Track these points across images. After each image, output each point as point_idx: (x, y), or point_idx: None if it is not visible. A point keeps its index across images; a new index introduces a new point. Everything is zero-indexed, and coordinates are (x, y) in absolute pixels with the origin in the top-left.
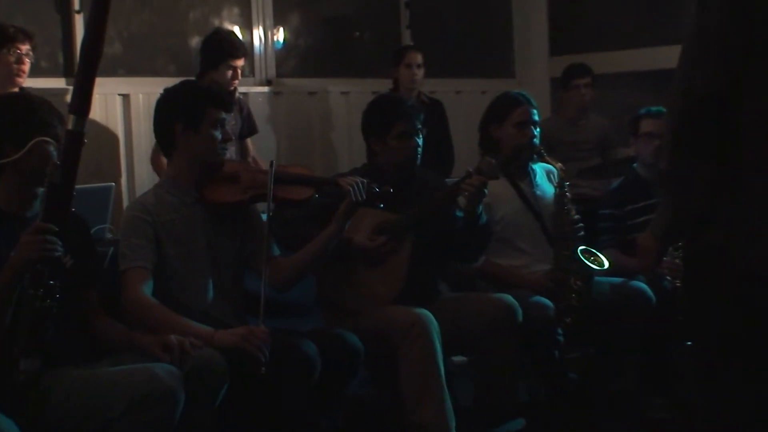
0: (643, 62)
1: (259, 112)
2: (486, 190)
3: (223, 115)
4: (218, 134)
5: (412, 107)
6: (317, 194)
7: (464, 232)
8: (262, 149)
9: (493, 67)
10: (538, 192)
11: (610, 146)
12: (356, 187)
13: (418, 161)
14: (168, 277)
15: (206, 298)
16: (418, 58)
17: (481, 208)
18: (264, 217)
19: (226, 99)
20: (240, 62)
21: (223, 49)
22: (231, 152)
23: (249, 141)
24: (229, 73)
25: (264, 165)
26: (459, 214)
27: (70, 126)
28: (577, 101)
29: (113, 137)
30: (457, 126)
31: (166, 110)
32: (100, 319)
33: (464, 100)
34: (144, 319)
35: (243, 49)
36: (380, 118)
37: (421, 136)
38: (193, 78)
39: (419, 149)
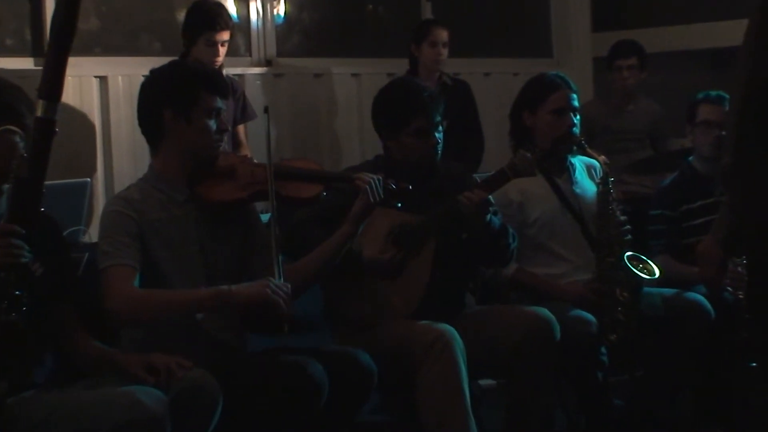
0: (699, 39)
1: (257, 96)
2: (492, 198)
3: (219, 102)
4: (213, 124)
5: (431, 97)
6: (326, 192)
7: (479, 241)
8: (259, 139)
9: (527, 45)
10: (578, 190)
11: (662, 136)
12: (373, 185)
13: (438, 158)
14: (154, 285)
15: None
16: (444, 35)
17: (489, 216)
18: (264, 218)
19: (222, 83)
20: (221, 35)
21: (200, 20)
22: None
23: (242, 128)
24: (209, 49)
25: (253, 156)
26: (492, 219)
27: (39, 113)
28: (620, 86)
29: (89, 126)
30: (485, 112)
31: (152, 94)
32: (75, 336)
33: (493, 83)
34: (140, 312)
35: (224, 20)
36: (393, 112)
37: (441, 129)
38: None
39: (439, 146)
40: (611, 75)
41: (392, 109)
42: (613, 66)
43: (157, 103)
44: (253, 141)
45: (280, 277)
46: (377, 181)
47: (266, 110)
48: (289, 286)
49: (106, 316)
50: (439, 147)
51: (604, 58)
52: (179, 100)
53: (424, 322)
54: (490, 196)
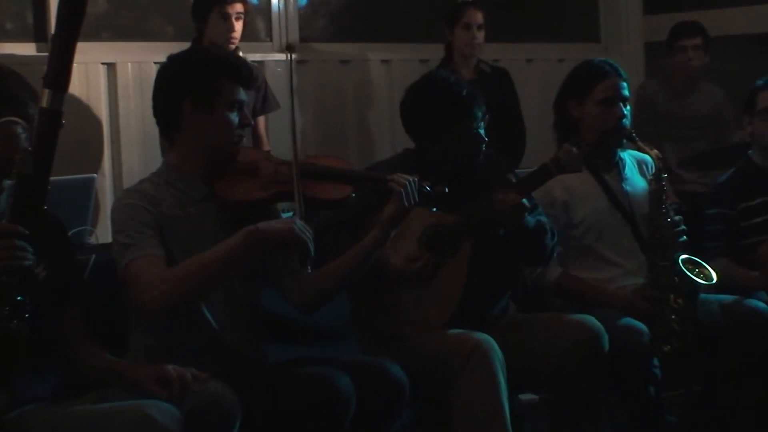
0: (761, 22)
1: (279, 85)
2: (527, 202)
3: (242, 94)
4: (235, 117)
5: (471, 95)
6: (355, 193)
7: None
8: (279, 132)
9: (573, 29)
10: (628, 187)
11: (725, 126)
12: (408, 188)
13: (481, 155)
14: None
15: (215, 319)
16: (479, 17)
17: (527, 218)
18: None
19: (246, 73)
20: (235, 7)
21: None
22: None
23: (262, 120)
24: (223, 24)
25: (275, 151)
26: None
27: (44, 103)
28: (683, 68)
29: (95, 117)
30: (527, 102)
31: (171, 83)
32: (81, 345)
33: (536, 71)
34: (181, 290)
35: None
36: (430, 119)
37: (484, 125)
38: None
39: (483, 145)
40: (672, 57)
41: (428, 115)
42: (675, 47)
43: (175, 93)
44: (273, 134)
45: (302, 215)
46: (413, 183)
47: (289, 48)
48: (311, 227)
49: (142, 312)
50: (483, 146)
51: (657, 43)
52: (200, 91)
53: (459, 331)
54: (533, 194)
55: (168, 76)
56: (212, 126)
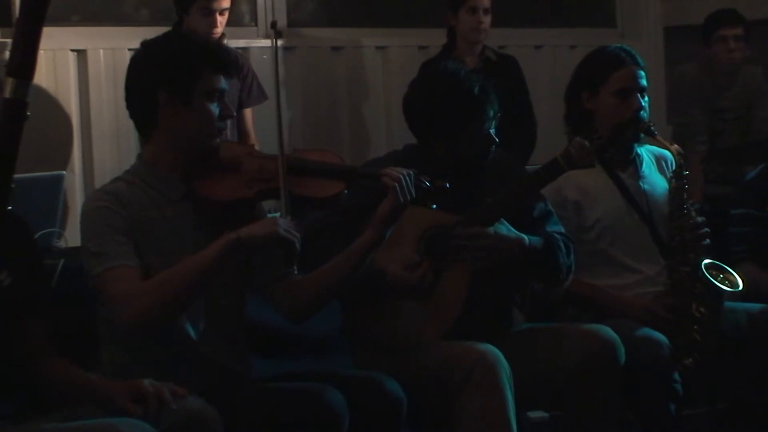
0: None
1: (265, 74)
2: (544, 206)
3: (223, 83)
4: (215, 108)
5: (484, 92)
6: (347, 190)
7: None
8: (267, 125)
9: (587, 13)
10: (646, 185)
11: (755, 116)
12: (403, 182)
13: (491, 155)
14: None
15: (194, 329)
16: (485, 0)
17: (527, 240)
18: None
19: (227, 60)
20: (220, 3)
21: None
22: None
23: (249, 112)
24: (206, 19)
25: (261, 146)
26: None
27: (8, 93)
28: (724, 60)
29: (64, 108)
30: (536, 93)
31: (145, 72)
32: (49, 358)
33: (546, 58)
34: (160, 305)
35: None
36: (440, 118)
37: (495, 123)
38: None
39: (494, 146)
40: (712, 48)
41: (436, 112)
42: (713, 37)
43: (149, 83)
44: (258, 128)
45: (288, 212)
46: (408, 178)
47: (273, 26)
48: (296, 223)
49: (119, 329)
50: (494, 146)
51: (678, 28)
52: (176, 80)
53: (463, 342)
54: (542, 192)
55: (141, 63)
56: (190, 118)
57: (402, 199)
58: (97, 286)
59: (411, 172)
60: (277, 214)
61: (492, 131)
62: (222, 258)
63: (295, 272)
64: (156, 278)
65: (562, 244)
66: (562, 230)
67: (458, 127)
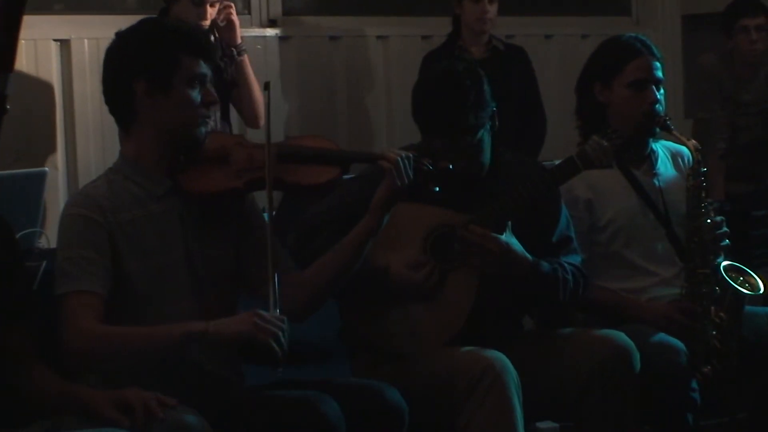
0: None
1: (258, 64)
2: (508, 235)
3: (204, 67)
4: (197, 95)
5: (475, 80)
6: (343, 176)
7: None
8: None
9: (599, 1)
10: (662, 183)
11: None
12: (400, 165)
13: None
14: (129, 304)
15: None
16: None
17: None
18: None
19: (205, 42)
20: None
21: None
22: (214, 120)
23: (256, 91)
24: (195, 9)
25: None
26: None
27: None
28: (746, 51)
29: (47, 101)
30: (546, 85)
31: (119, 62)
32: (30, 366)
33: (557, 48)
34: (98, 355)
35: None
36: (436, 114)
37: (487, 131)
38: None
39: (482, 157)
40: (732, 38)
41: (433, 111)
42: (734, 27)
43: (125, 73)
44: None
45: (275, 304)
46: (407, 160)
47: (266, 87)
48: (284, 319)
49: (63, 358)
50: (483, 158)
51: (696, 16)
52: (153, 68)
53: (468, 348)
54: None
55: (115, 54)
56: (170, 107)
57: (399, 183)
58: (58, 308)
59: (411, 155)
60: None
61: (481, 142)
62: (182, 344)
63: (280, 372)
64: (113, 330)
65: (570, 279)
66: (579, 260)
67: (452, 123)
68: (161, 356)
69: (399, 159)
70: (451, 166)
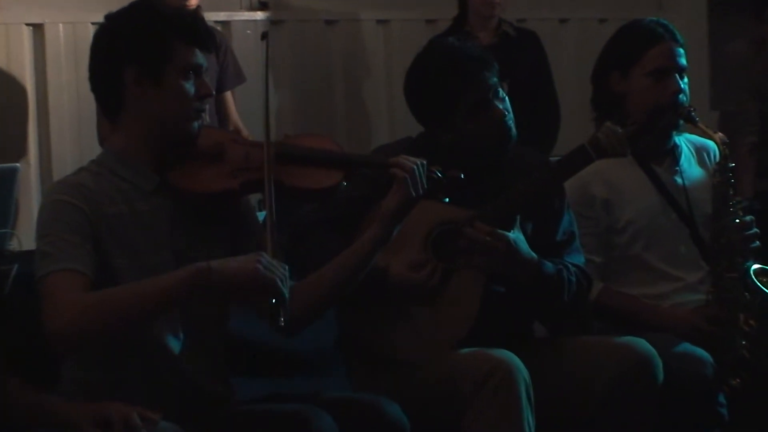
0: None
1: (248, 51)
2: (516, 231)
3: (200, 57)
4: (191, 87)
5: (477, 58)
6: (346, 181)
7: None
8: (251, 109)
9: None
10: (686, 180)
11: None
12: (416, 173)
13: (513, 136)
14: None
15: (175, 343)
16: None
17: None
18: (262, 216)
19: (202, 31)
20: None
21: None
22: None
23: (229, 96)
24: None
25: (251, 136)
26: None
27: None
28: None
29: (18, 91)
30: (561, 72)
31: (109, 48)
32: (1, 378)
33: (572, 33)
34: (98, 321)
35: None
36: (433, 99)
37: (503, 94)
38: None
39: (509, 118)
40: (764, 24)
41: (427, 94)
42: (766, 12)
43: (115, 60)
44: (242, 113)
45: (275, 257)
46: (421, 167)
47: (264, 36)
48: (287, 267)
49: (50, 342)
50: (509, 118)
51: (723, 1)
52: (145, 55)
53: (477, 350)
54: (566, 188)
55: (104, 39)
56: (162, 98)
57: (414, 193)
58: (40, 290)
59: (423, 161)
60: (262, 215)
61: (499, 105)
62: (183, 288)
63: (282, 325)
64: (100, 293)
65: (574, 282)
66: (582, 261)
67: (452, 102)
68: (160, 308)
69: (415, 167)
70: (462, 175)
